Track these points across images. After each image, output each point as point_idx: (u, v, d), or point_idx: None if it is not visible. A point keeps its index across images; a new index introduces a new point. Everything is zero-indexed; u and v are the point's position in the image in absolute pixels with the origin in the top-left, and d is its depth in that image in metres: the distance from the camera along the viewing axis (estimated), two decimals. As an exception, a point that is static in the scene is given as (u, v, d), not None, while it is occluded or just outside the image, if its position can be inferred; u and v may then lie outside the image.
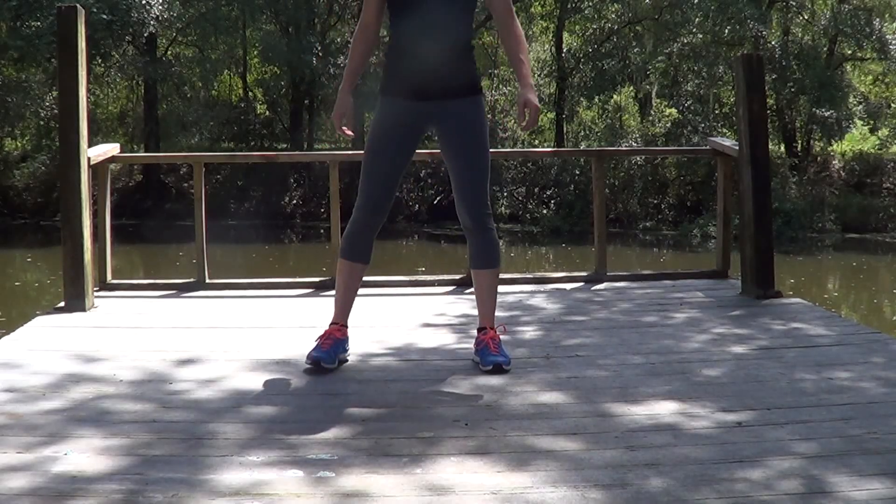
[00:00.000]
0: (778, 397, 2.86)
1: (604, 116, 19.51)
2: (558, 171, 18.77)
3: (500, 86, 20.85)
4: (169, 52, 20.94)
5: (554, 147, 19.69)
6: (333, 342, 3.22)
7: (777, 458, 2.31)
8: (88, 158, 4.33)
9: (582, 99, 20.68)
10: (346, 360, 3.31)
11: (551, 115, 21.48)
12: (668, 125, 18.55)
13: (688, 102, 19.52)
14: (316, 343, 3.23)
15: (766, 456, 2.33)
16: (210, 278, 4.97)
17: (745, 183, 4.64)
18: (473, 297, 3.47)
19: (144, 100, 20.96)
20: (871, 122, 20.58)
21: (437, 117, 3.21)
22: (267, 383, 3.04)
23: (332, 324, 3.29)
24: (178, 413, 2.72)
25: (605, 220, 5.31)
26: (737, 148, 4.78)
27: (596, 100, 20.04)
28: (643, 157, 18.13)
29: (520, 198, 18.99)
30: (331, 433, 2.54)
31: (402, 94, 3.18)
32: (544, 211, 18.48)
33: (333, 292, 3.42)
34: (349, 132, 3.26)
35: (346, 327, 3.30)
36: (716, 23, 18.05)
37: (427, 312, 4.28)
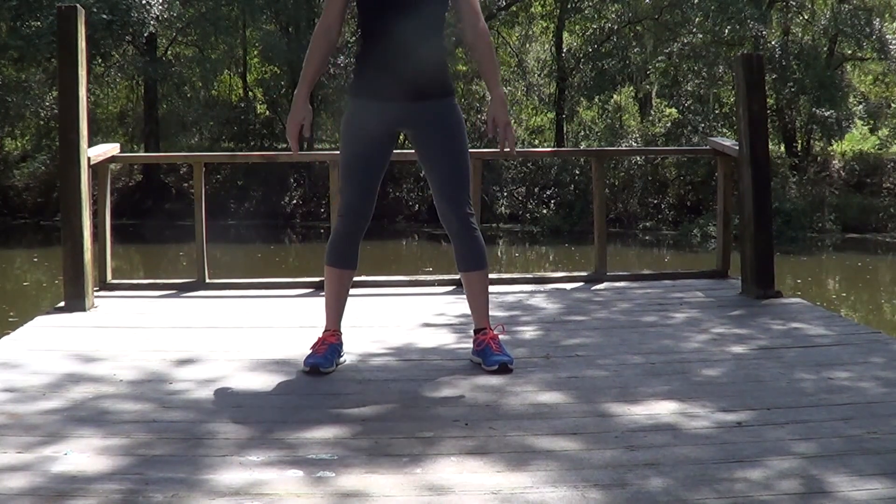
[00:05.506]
0: (778, 397, 2.86)
1: (604, 116, 19.51)
2: (558, 171, 18.77)
3: (501, 85, 20.85)
4: (169, 52, 20.94)
5: (554, 147, 19.69)
6: (328, 347, 3.21)
7: (777, 458, 2.31)
8: (88, 158, 4.33)
9: (582, 99, 20.68)
10: (344, 363, 3.30)
11: (551, 115, 21.49)
12: (668, 125, 18.56)
13: (688, 102, 19.51)
14: (311, 350, 3.23)
15: (766, 456, 2.33)
16: (210, 278, 4.98)
17: (745, 183, 4.64)
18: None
19: (144, 100, 20.96)
20: (871, 122, 20.58)
21: (411, 121, 3.19)
22: (267, 383, 3.04)
23: (325, 331, 3.28)
24: (177, 413, 2.72)
25: (605, 219, 5.32)
26: (737, 148, 4.78)
27: (596, 100, 20.04)
28: (643, 157, 18.13)
29: (520, 198, 19.00)
30: (331, 433, 2.54)
31: (375, 96, 3.14)
32: (544, 211, 18.49)
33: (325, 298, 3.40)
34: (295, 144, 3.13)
35: (340, 332, 3.30)
36: (716, 23, 18.04)
37: (427, 312, 4.28)
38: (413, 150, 3.34)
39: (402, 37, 3.07)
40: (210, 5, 19.29)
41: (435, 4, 3.14)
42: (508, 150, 3.20)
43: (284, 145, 20.12)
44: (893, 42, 18.45)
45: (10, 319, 8.12)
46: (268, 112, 21.20)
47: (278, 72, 20.26)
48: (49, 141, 19.50)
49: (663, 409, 2.74)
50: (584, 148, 18.25)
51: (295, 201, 19.33)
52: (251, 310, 4.44)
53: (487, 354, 3.21)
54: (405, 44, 3.07)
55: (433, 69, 3.17)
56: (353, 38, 18.83)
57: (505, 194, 18.78)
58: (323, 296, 3.38)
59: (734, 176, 4.95)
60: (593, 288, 4.93)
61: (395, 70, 3.10)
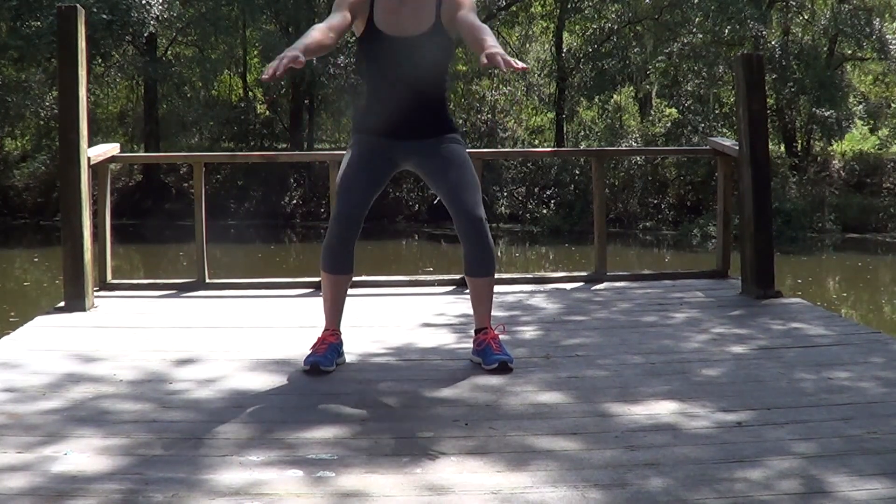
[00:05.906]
0: (778, 397, 2.86)
1: (604, 116, 19.50)
2: (558, 171, 18.77)
3: (501, 86, 20.85)
4: (169, 52, 20.94)
5: (554, 147, 19.69)
6: (328, 346, 3.22)
7: (777, 458, 2.31)
8: (88, 158, 4.33)
9: (582, 99, 20.67)
10: (344, 362, 3.31)
11: (551, 115, 21.49)
12: (668, 125, 18.55)
13: (688, 102, 19.51)
14: (311, 350, 3.23)
15: (766, 456, 2.33)
16: (210, 278, 4.98)
17: (745, 183, 4.64)
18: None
19: (144, 100, 20.96)
20: (871, 122, 20.59)
21: (413, 156, 3.26)
22: (267, 383, 3.04)
23: (324, 330, 3.28)
24: (177, 413, 2.72)
25: (605, 219, 5.32)
26: (737, 148, 4.78)
27: (596, 100, 20.03)
28: (643, 157, 18.13)
29: (520, 198, 18.99)
30: (331, 433, 2.54)
31: (377, 133, 3.22)
32: (544, 211, 18.48)
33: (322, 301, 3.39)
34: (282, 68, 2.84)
35: (339, 332, 3.30)
36: (716, 23, 18.04)
37: (427, 312, 4.28)
38: None
39: (403, 94, 3.16)
40: (210, 5, 19.28)
41: (435, 55, 3.18)
42: (518, 64, 2.67)
43: (284, 145, 20.16)
44: (893, 42, 18.46)
45: (11, 319, 8.12)
46: (268, 112, 21.21)
47: (278, 72, 20.24)
48: (49, 141, 19.49)
49: (663, 409, 2.74)
50: (584, 148, 18.24)
51: (295, 201, 19.33)
52: (251, 310, 4.44)
53: (487, 354, 3.21)
54: (407, 100, 3.16)
55: (433, 116, 3.26)
56: (353, 37, 18.83)
57: (505, 194, 18.78)
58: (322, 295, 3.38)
59: (734, 176, 4.95)
60: (593, 288, 4.93)
61: (395, 121, 3.18)
